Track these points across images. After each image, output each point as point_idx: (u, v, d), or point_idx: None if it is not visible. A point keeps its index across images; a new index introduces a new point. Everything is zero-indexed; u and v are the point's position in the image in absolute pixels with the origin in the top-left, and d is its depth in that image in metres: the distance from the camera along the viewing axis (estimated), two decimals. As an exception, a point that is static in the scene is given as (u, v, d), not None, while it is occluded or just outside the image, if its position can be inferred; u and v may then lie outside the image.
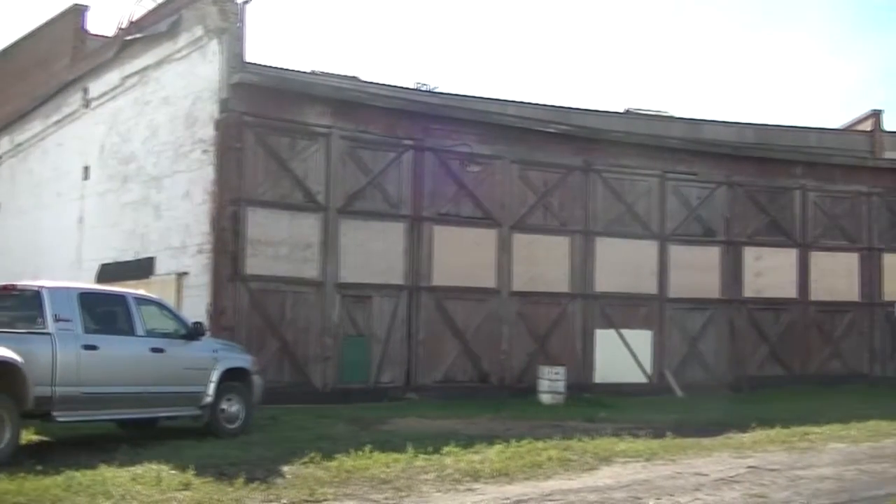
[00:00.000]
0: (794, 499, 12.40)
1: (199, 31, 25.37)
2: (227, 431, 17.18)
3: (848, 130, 51.60)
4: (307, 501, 11.70)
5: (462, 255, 27.61)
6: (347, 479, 13.08)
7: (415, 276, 26.98)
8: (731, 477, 13.94)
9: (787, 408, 24.12)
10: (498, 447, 15.91)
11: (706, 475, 14.05)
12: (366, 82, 37.03)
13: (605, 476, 13.96)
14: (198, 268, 24.51)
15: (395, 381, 26.54)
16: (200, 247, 24.48)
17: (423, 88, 41.54)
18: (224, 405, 17.36)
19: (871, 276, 33.79)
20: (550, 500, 12.05)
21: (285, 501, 11.61)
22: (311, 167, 25.63)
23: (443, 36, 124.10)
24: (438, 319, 27.33)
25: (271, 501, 11.62)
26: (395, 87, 37.03)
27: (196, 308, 22.92)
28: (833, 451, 17.13)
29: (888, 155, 44.44)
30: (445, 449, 15.46)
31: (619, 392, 27.64)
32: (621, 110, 48.10)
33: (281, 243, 24.97)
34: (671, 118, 48.01)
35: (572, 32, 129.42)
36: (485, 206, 28.18)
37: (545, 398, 25.92)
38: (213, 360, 17.34)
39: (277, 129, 25.30)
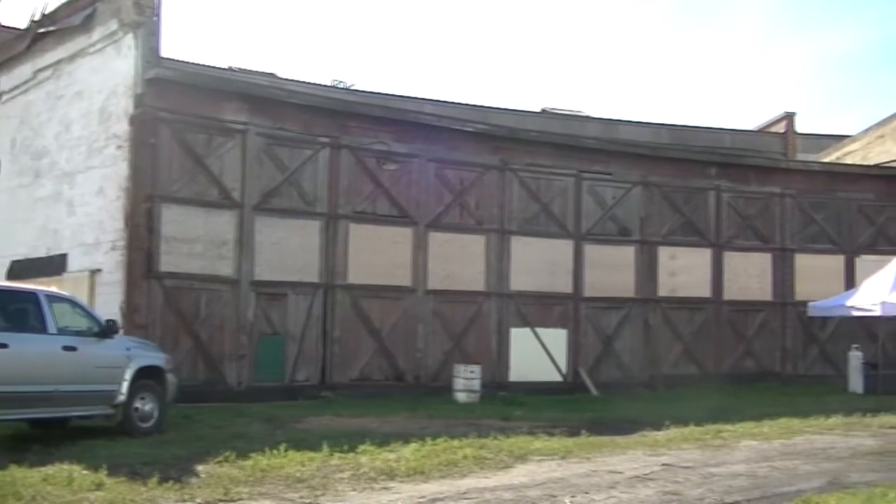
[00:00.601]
0: (708, 496, 12.54)
1: (113, 24, 25.01)
2: (141, 430, 17.01)
3: (762, 132, 52.56)
4: (222, 501, 11.63)
5: (378, 254, 27.56)
6: (262, 478, 13.02)
7: (330, 274, 26.87)
8: (646, 475, 14.06)
9: (700, 406, 24.32)
10: (413, 446, 15.93)
11: (621, 473, 14.16)
12: (283, 79, 36.98)
13: (520, 474, 14.02)
14: (111, 265, 24.18)
15: (310, 379, 26.41)
16: (114, 244, 24.15)
17: (341, 86, 41.62)
18: (138, 404, 17.18)
19: (783, 276, 34.24)
20: (466, 499, 12.07)
21: (199, 501, 11.52)
22: (227, 164, 25.41)
23: (360, 34, 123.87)
24: (354, 317, 27.24)
25: (185, 501, 11.53)
26: (312, 84, 37.04)
27: (109, 306, 22.64)
28: (746, 448, 17.35)
29: (801, 157, 45.34)
30: (361, 447, 15.47)
31: (535, 390, 27.76)
32: (538, 110, 48.59)
33: (196, 240, 24.72)
34: (587, 118, 48.57)
35: (490, 31, 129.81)
36: (401, 204, 28.14)
37: (461, 396, 25.95)
38: (126, 358, 17.16)
39: (193, 125, 25.02)
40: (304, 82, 36.75)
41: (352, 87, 41.15)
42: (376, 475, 13.44)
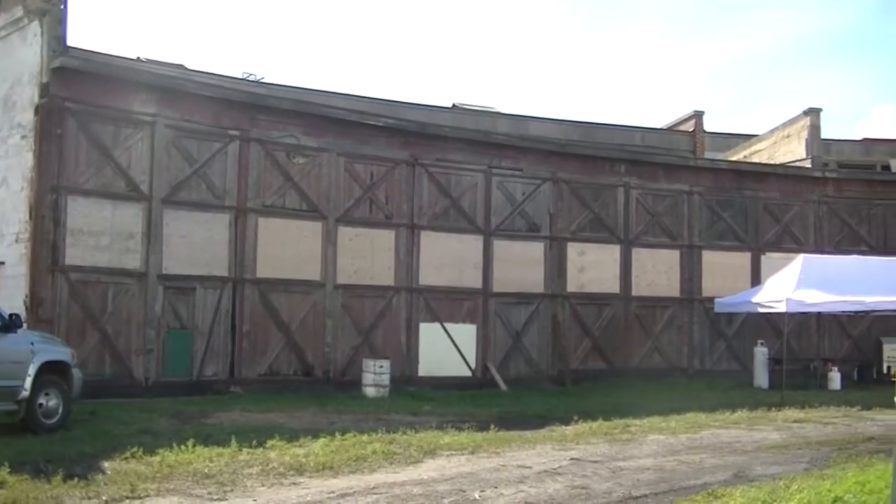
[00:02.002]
0: (616, 490, 12.69)
1: (19, 11, 24.56)
2: (45, 427, 16.76)
3: (671, 130, 53.14)
4: (128, 498, 11.51)
5: (287, 248, 27.41)
6: (170, 474, 12.92)
7: (239, 268, 26.65)
8: (555, 469, 14.20)
9: (608, 401, 24.65)
10: (322, 441, 15.94)
11: (530, 467, 14.28)
12: (192, 71, 36.59)
13: (429, 469, 14.08)
14: (15, 257, 23.76)
15: (218, 374, 26.18)
16: (18, 236, 23.74)
17: (251, 78, 41.26)
18: (42, 399, 16.92)
19: (691, 272, 34.67)
20: (375, 494, 12.09)
21: (105, 498, 11.39)
22: (135, 156, 25.07)
23: (272, 26, 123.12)
24: (263, 312, 27.06)
25: (91, 498, 11.40)
26: (221, 76, 36.68)
27: (13, 299, 22.22)
28: (653, 442, 17.59)
29: (709, 155, 45.91)
30: (270, 443, 15.44)
31: (444, 385, 27.86)
32: (449, 105, 48.56)
33: (102, 233, 24.36)
34: (498, 114, 48.71)
35: (401, 26, 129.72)
36: (311, 198, 27.99)
37: (370, 391, 25.89)
38: (30, 353, 16.85)
39: (100, 116, 24.63)
40: (213, 74, 36.39)
41: (262, 80, 40.86)
42: (285, 470, 13.43)
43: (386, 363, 26.61)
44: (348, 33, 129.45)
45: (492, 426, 18.47)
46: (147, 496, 11.63)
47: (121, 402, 21.31)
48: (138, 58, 37.19)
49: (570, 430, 18.90)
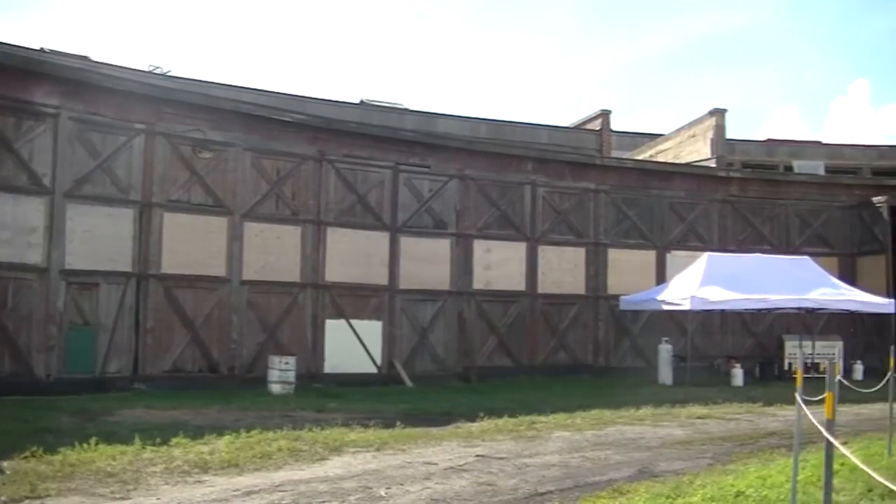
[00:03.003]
0: (522, 486, 12.77)
1: (-84, 1, 24.08)
2: (-59, 425, 16.45)
3: (578, 129, 53.63)
4: (28, 498, 11.34)
5: (192, 243, 27.17)
6: (72, 473, 12.76)
7: (144, 264, 26.36)
8: (461, 465, 14.25)
9: (514, 398, 24.78)
10: (228, 438, 15.84)
11: (436, 464, 14.32)
12: (97, 63, 36.08)
13: (335, 466, 14.06)
14: (-89, 251, 23.29)
15: (122, 371, 25.87)
16: (-84, 230, 23.27)
17: (157, 71, 40.79)
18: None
19: (596, 270, 34.97)
20: (280, 491, 12.04)
21: (4, 499, 11.20)
22: (38, 149, 24.66)
23: (178, 19, 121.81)
24: (167, 308, 26.80)
25: (-11, 498, 11.21)
26: (127, 68, 36.22)
27: None
28: (559, 439, 17.71)
29: (615, 153, 46.41)
30: (174, 440, 15.31)
31: (350, 382, 27.79)
32: (357, 101, 48.49)
33: (3, 227, 23.91)
34: (406, 110, 48.82)
35: (310, 21, 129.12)
36: (217, 193, 27.77)
37: (275, 388, 25.77)
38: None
39: (1, 107, 24.21)
40: (119, 66, 35.93)
41: (169, 74, 40.45)
42: (190, 468, 13.32)
43: (292, 360, 26.53)
44: (257, 28, 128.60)
45: (398, 423, 18.48)
46: (48, 496, 11.47)
47: (21, 400, 20.95)
48: (42, 49, 36.63)
49: (476, 426, 18.95)
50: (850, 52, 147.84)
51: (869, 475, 10.41)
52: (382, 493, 12.12)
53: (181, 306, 27.00)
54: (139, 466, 13.35)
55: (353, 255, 30.08)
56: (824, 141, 65.52)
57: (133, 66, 37.46)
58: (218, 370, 27.46)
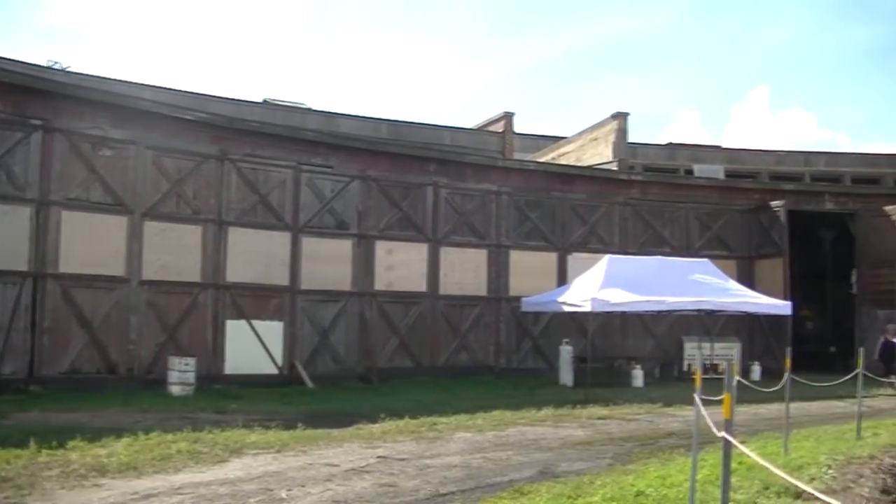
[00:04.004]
0: (423, 487, 12.78)
1: None
2: None
3: (481, 130, 53.76)
4: (-83, 505, 11.09)
5: (91, 242, 26.72)
6: (-37, 478, 12.48)
7: (40, 263, 25.87)
8: (362, 467, 14.22)
9: (416, 399, 24.79)
10: (126, 440, 15.65)
11: (337, 466, 14.27)
12: (-8, 57, 35.32)
13: (236, 468, 13.95)
14: None
15: (17, 372, 25.32)
16: None
17: (56, 67, 40.12)
18: None
19: (498, 272, 35.10)
20: (180, 494, 11.92)
21: None
22: (-71, 145, 24.15)
23: (78, 13, 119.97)
24: (64, 308, 26.33)
25: None
26: (24, 63, 35.53)
27: None
28: (460, 440, 17.76)
29: (518, 156, 46.59)
30: (71, 443, 15.06)
31: (251, 383, 27.57)
32: (259, 100, 48.17)
33: None
34: (309, 110, 48.61)
35: (212, 19, 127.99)
36: (116, 191, 27.36)
37: (175, 389, 25.49)
38: None
39: None
40: (15, 61, 35.24)
41: (68, 69, 39.82)
42: (87, 472, 13.11)
43: (192, 361, 26.27)
44: (158, 25, 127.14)
45: (299, 424, 18.40)
46: (-62, 502, 11.24)
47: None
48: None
49: (377, 428, 18.93)
50: (751, 59, 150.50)
51: (766, 474, 10.62)
52: (283, 494, 12.05)
53: (79, 306, 26.55)
54: (34, 471, 13.10)
55: (255, 255, 29.84)
56: (724, 146, 66.53)
57: (30, 62, 36.74)
58: (116, 371, 27.05)
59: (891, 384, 28.61)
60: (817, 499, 11.36)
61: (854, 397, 19.85)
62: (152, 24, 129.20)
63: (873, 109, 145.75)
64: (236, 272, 29.49)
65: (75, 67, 40.53)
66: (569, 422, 21.05)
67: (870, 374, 20.58)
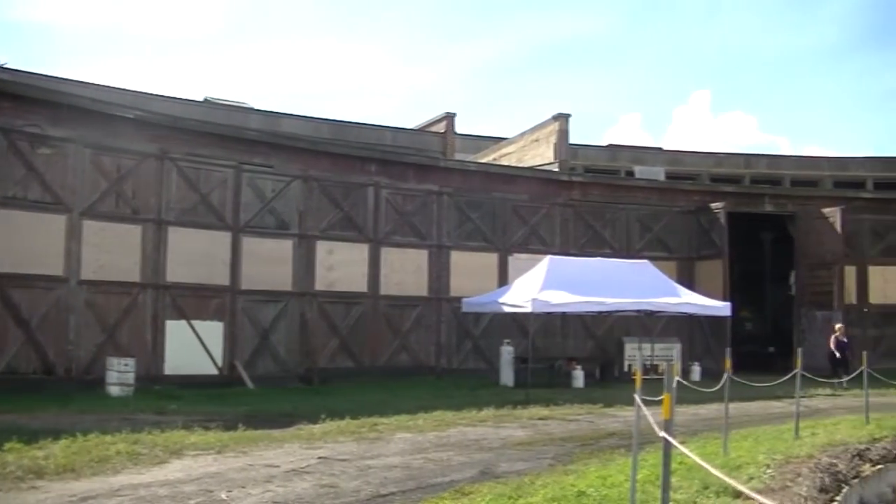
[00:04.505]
0: (364, 488, 12.74)
1: None
2: None
3: (422, 131, 53.71)
4: None
5: (28, 241, 26.41)
6: None
7: (-24, 262, 25.58)
8: (303, 468, 14.15)
9: (356, 399, 24.72)
10: (64, 442, 15.46)
11: (277, 467, 14.19)
12: (-74, 53, 34.85)
13: (175, 469, 13.83)
14: None
15: (-48, 373, 25.05)
16: None
17: (-7, 65, 39.57)
18: None
19: (439, 272, 35.11)
20: (119, 496, 11.81)
21: None
22: None
23: (16, 9, 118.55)
24: (1, 307, 26.03)
25: None
26: (-41, 61, 35.10)
27: None
28: (401, 440, 17.71)
29: (459, 156, 46.59)
30: (7, 445, 14.86)
31: (191, 384, 27.35)
32: (200, 99, 47.88)
33: None
34: (250, 110, 48.38)
35: (153, 17, 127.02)
36: (55, 190, 27.08)
37: (114, 390, 25.24)
38: None
39: None
40: (-50, 58, 34.81)
41: (5, 66, 39.32)
42: (24, 474, 12.94)
43: (131, 361, 26.04)
44: (99, 23, 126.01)
45: (239, 425, 18.29)
46: None
47: None
48: None
49: (318, 428, 18.86)
50: (693, 62, 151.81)
51: (705, 474, 10.70)
52: (223, 496, 11.96)
53: (16, 306, 26.26)
54: (-31, 473, 12.94)
55: (195, 255, 29.64)
56: (665, 147, 67.03)
57: (-33, 59, 36.28)
58: (54, 372, 26.77)
59: (840, 383, 28.88)
60: (756, 498, 11.53)
61: (792, 397, 20.08)
62: (92, 23, 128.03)
63: (813, 113, 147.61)
64: (176, 272, 29.27)
65: (14, 64, 40.00)
66: (510, 422, 21.06)
67: (808, 375, 20.78)
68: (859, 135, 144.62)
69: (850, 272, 40.99)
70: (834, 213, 39.45)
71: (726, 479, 7.79)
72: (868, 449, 17.00)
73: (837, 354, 32.21)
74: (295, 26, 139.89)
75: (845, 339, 32.15)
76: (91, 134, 27.79)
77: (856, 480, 15.05)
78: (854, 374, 23.79)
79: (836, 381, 27.83)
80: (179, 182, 29.64)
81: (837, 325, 33.32)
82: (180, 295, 29.44)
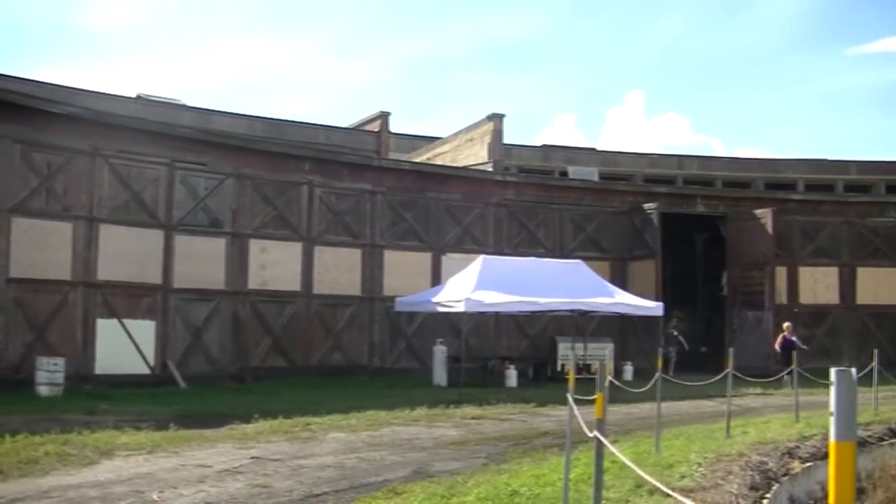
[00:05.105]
0: (297, 487, 12.70)
1: None
2: None
3: (357, 130, 53.61)
4: None
5: (-45, 239, 26.06)
6: None
7: None
8: (235, 468, 14.07)
9: (290, 399, 24.61)
10: (-9, 443, 15.22)
11: (210, 467, 14.10)
12: None
13: (106, 470, 13.70)
14: None
15: None
16: None
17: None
18: None
19: (372, 271, 35.02)
20: (48, 498, 11.68)
21: None
22: None
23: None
24: (-73, 306, 25.67)
25: None
26: None
27: None
28: (334, 440, 17.65)
29: (393, 156, 46.57)
30: (-68, 447, 14.62)
31: (122, 383, 27.08)
32: (133, 95, 47.45)
33: None
34: (184, 106, 47.98)
35: (84, 12, 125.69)
36: (-17, 187, 26.71)
37: (43, 390, 24.91)
38: None
39: None
40: None
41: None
42: (-50, 476, 12.74)
43: (61, 361, 25.71)
44: (29, 17, 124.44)
45: (171, 425, 18.15)
46: None
47: None
48: None
49: (250, 428, 18.77)
50: (628, 63, 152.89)
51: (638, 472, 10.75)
52: (155, 497, 11.86)
53: (-58, 305, 25.88)
54: None
55: (127, 253, 29.31)
56: (599, 148, 67.49)
57: None
58: (-19, 372, 26.40)
59: (788, 381, 29.02)
60: (688, 495, 11.63)
61: (724, 396, 20.26)
62: (22, 17, 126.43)
63: (746, 115, 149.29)
64: (108, 270, 28.94)
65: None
66: (443, 421, 21.07)
67: (739, 375, 20.97)
68: (791, 137, 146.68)
69: (781, 273, 41.53)
70: (765, 215, 39.89)
71: (651, 479, 7.82)
72: (798, 447, 17.21)
73: (776, 354, 32.38)
74: (228, 23, 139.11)
75: (793, 338, 32.45)
76: (21, 130, 27.40)
77: (786, 478, 15.24)
78: (785, 373, 23.97)
79: (786, 378, 27.97)
80: (111, 179, 29.30)
81: (785, 324, 33.58)
82: (111, 293, 29.12)
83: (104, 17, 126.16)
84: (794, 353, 28.45)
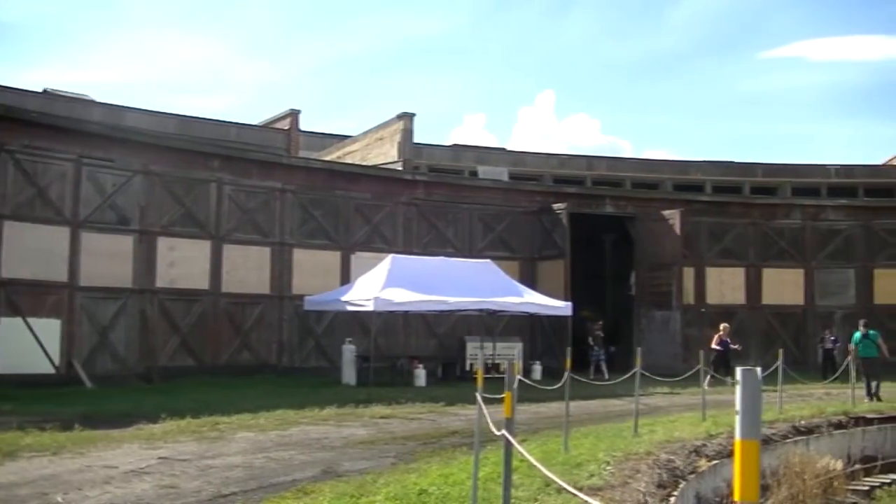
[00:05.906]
0: (205, 488, 12.62)
1: None
2: None
3: (267, 128, 53.36)
4: None
5: None
6: None
7: None
8: (142, 468, 13.94)
9: (198, 398, 24.41)
10: None
11: (116, 467, 13.96)
12: None
13: (9, 472, 13.51)
14: None
15: None
16: None
17: None
18: None
19: (281, 270, 34.90)
20: (-54, 503, 11.48)
21: None
22: None
23: None
24: None
25: None
26: None
27: None
28: (243, 440, 17.58)
29: (304, 154, 46.43)
30: None
31: (26, 383, 26.62)
32: (39, 90, 46.80)
33: None
34: (92, 102, 47.41)
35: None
36: None
37: (-57, 390, 24.49)
38: None
39: None
40: None
41: None
42: None
43: (-38, 360, 25.27)
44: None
45: (76, 425, 17.93)
46: None
47: None
48: None
49: (158, 428, 18.61)
50: (539, 64, 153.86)
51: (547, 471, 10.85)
52: (59, 499, 11.72)
53: None
54: None
55: (32, 250, 28.85)
56: (510, 148, 67.84)
57: None
58: None
59: (724, 382, 29.20)
60: (597, 493, 11.77)
61: (632, 395, 20.50)
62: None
63: (656, 117, 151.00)
64: (12, 268, 28.45)
65: None
66: (352, 421, 21.06)
67: (647, 374, 21.24)
68: (699, 139, 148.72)
69: (689, 273, 42.18)
70: (673, 216, 40.43)
71: (556, 479, 7.92)
72: (704, 445, 17.51)
73: (719, 351, 32.59)
74: (139, 18, 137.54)
75: (728, 339, 32.84)
76: (-78, 124, 26.90)
77: (693, 476, 15.49)
78: (692, 372, 24.29)
79: (726, 379, 28.22)
80: (16, 174, 28.83)
81: (722, 325, 33.92)
82: (15, 291, 28.64)
83: (8, 5, 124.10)
84: (729, 354, 29.10)
